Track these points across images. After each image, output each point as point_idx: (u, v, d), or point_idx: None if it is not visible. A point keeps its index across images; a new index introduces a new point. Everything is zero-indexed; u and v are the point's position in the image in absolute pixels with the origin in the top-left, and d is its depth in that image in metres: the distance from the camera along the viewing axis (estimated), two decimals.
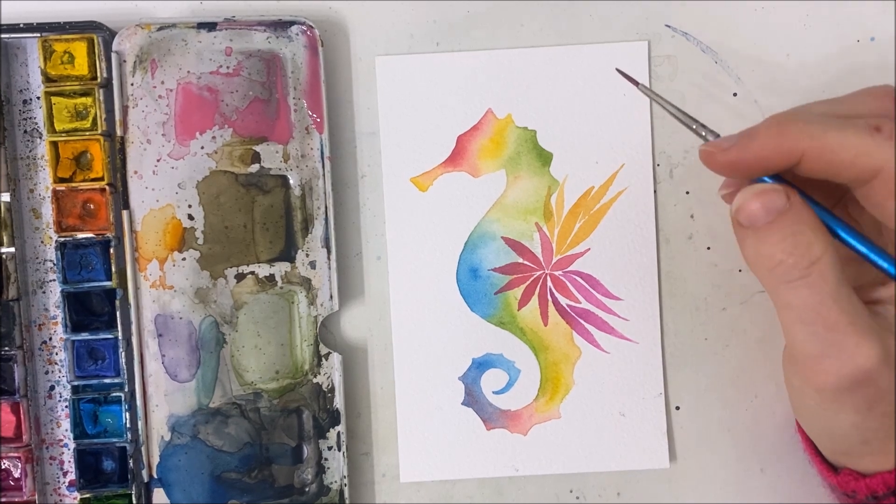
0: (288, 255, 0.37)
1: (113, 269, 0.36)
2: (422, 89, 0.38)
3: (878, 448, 0.32)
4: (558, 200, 0.38)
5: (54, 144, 0.36)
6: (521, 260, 0.38)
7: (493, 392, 0.38)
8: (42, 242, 0.38)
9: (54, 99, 0.36)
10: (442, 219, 0.38)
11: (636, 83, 0.33)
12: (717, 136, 0.31)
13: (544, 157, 0.38)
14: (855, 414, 0.30)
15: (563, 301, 0.38)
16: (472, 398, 0.38)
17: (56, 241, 0.37)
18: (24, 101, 0.37)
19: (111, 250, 0.37)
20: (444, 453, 0.38)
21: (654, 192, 0.38)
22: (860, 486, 0.32)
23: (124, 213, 0.37)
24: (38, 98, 0.37)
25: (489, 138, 0.38)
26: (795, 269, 0.29)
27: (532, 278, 0.38)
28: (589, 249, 0.38)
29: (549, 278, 0.38)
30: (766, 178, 0.31)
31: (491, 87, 0.38)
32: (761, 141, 0.29)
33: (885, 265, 0.29)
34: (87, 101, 0.36)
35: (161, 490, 0.37)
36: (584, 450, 0.38)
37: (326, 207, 0.37)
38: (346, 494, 0.37)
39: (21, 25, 0.36)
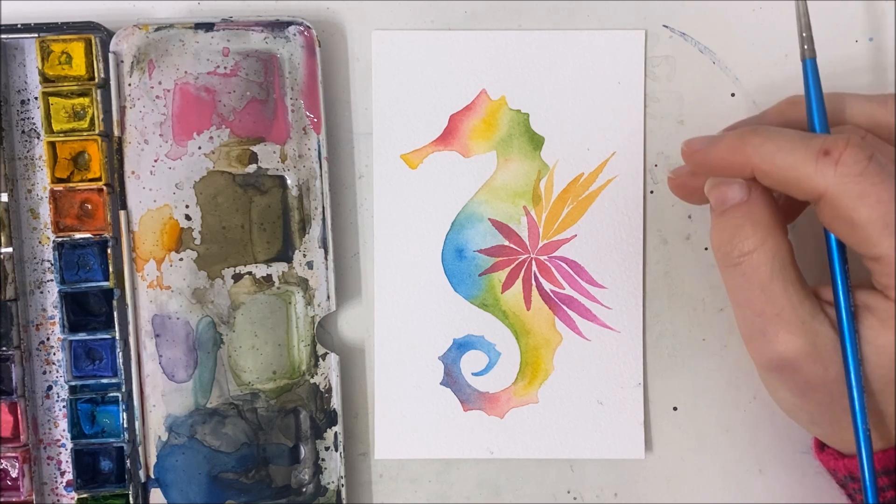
0: (285, 255, 0.37)
1: (110, 269, 0.37)
2: (417, 65, 0.38)
3: (829, 432, 0.33)
4: (547, 185, 0.38)
5: (52, 145, 0.36)
6: (507, 243, 0.38)
7: (473, 373, 0.38)
8: (40, 242, 0.38)
9: (52, 99, 0.36)
10: (430, 197, 0.38)
11: None
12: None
13: (536, 141, 0.38)
14: (792, 396, 0.33)
15: (547, 286, 0.38)
16: (451, 378, 0.38)
17: (54, 241, 0.37)
18: (22, 102, 0.37)
19: (109, 250, 0.37)
20: (420, 432, 0.38)
21: (644, 182, 0.38)
22: (839, 465, 0.33)
23: (122, 214, 0.37)
24: (36, 98, 0.37)
25: (482, 119, 0.38)
26: (729, 258, 0.32)
27: (517, 262, 0.38)
28: (575, 236, 0.38)
29: (534, 262, 0.38)
30: None
31: (486, 67, 0.38)
32: (720, 151, 0.32)
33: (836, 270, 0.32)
34: (85, 101, 0.36)
35: (158, 490, 0.37)
36: (560, 436, 0.38)
37: (324, 208, 0.37)
38: (344, 495, 0.37)
39: (19, 26, 0.36)
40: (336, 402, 0.37)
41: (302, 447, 0.38)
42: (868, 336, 0.31)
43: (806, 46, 0.33)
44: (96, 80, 0.36)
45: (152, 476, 0.37)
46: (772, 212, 0.32)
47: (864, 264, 0.31)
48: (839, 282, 0.32)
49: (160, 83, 0.37)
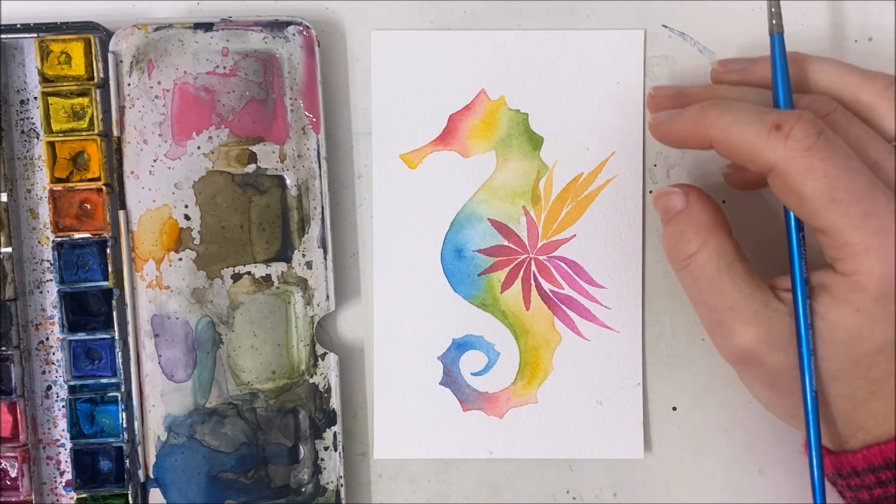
0: (284, 255, 0.37)
1: (110, 269, 0.37)
2: (416, 66, 0.38)
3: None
4: (547, 185, 0.38)
5: (51, 145, 0.36)
6: (506, 242, 0.38)
7: (472, 373, 0.38)
8: (39, 242, 0.38)
9: (51, 99, 0.36)
10: (429, 197, 0.38)
11: None
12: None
13: (535, 141, 0.38)
14: (763, 389, 0.34)
15: (546, 286, 0.38)
16: (450, 378, 0.38)
17: (53, 241, 0.37)
18: (22, 102, 0.37)
19: (108, 250, 0.37)
20: (419, 432, 0.38)
21: (643, 182, 0.38)
22: (825, 462, 0.33)
23: (121, 214, 0.37)
24: (36, 98, 0.37)
25: (481, 119, 0.38)
26: (678, 261, 0.34)
27: (516, 261, 0.38)
28: (575, 236, 0.38)
29: (533, 262, 0.38)
30: None
31: (485, 67, 0.38)
32: (683, 124, 0.33)
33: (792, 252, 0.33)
34: (84, 101, 0.36)
35: (157, 490, 0.37)
36: (559, 436, 0.38)
37: (323, 208, 0.37)
38: (343, 495, 0.37)
39: (18, 26, 0.36)
40: (335, 402, 0.37)
41: (301, 447, 0.38)
42: (821, 312, 0.32)
43: (774, 21, 0.34)
44: (95, 80, 0.36)
45: (151, 476, 0.37)
46: (711, 214, 0.34)
47: (815, 238, 0.32)
48: (794, 249, 0.33)
49: (159, 83, 0.37)
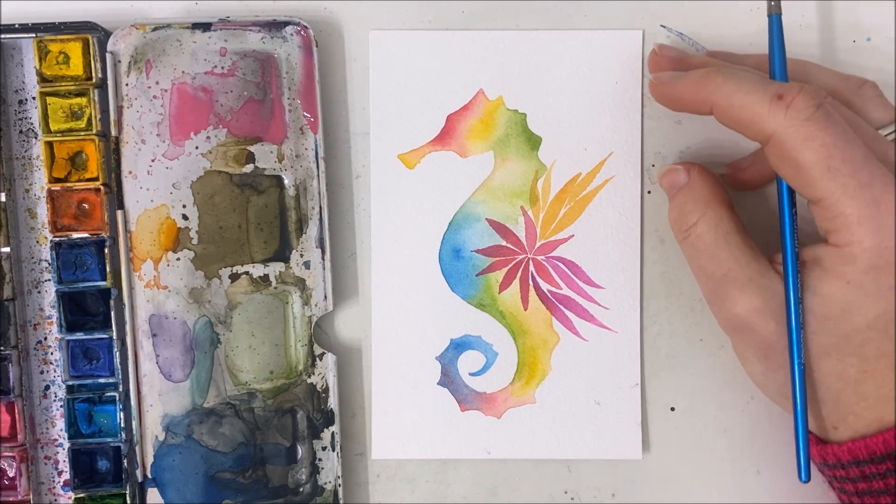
0: (282, 255, 0.37)
1: (108, 268, 0.37)
2: (415, 66, 0.38)
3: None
4: (545, 185, 0.38)
5: (49, 144, 0.36)
6: (504, 243, 0.38)
7: (470, 374, 0.38)
8: (37, 242, 0.38)
9: (49, 99, 0.36)
10: (427, 197, 0.38)
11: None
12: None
13: (533, 141, 0.38)
14: (757, 361, 0.34)
15: (545, 286, 0.38)
16: (448, 378, 0.38)
17: (51, 240, 0.37)
18: (20, 102, 0.38)
19: (106, 250, 0.37)
20: (417, 432, 0.38)
21: (641, 183, 0.38)
22: (814, 451, 0.33)
23: (119, 213, 0.37)
24: (34, 98, 0.37)
25: (479, 119, 0.38)
26: (680, 233, 0.35)
27: (514, 262, 0.38)
28: (573, 236, 0.38)
29: (531, 262, 0.38)
30: None
31: (484, 67, 0.38)
32: (685, 87, 0.34)
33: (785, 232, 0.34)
34: (83, 101, 0.36)
35: (155, 490, 0.37)
36: (557, 436, 0.38)
37: (321, 208, 0.37)
38: (341, 495, 0.37)
39: (16, 26, 0.36)
40: (333, 402, 0.37)
41: (299, 447, 0.38)
42: (813, 285, 0.32)
43: (773, 2, 0.34)
44: (94, 80, 0.36)
45: (149, 476, 0.37)
46: (710, 188, 0.35)
47: (809, 212, 0.32)
48: (786, 223, 0.33)
49: (157, 83, 0.37)
